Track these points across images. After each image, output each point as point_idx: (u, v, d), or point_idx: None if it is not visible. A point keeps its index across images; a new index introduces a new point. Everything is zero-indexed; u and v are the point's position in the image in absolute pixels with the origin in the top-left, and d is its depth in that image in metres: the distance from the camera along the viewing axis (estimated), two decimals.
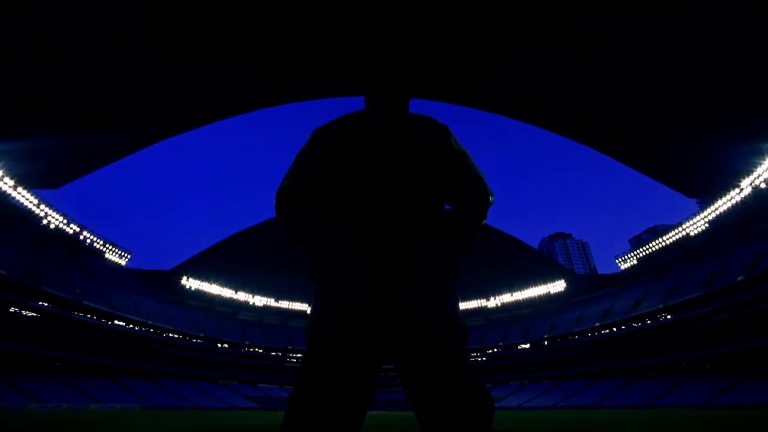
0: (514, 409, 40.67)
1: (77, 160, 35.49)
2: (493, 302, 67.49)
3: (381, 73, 1.55)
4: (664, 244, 51.38)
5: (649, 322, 43.04)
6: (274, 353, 60.21)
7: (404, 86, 1.53)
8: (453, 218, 1.25)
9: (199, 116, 34.91)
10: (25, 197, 38.93)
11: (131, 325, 45.35)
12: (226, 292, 63.51)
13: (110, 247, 53.51)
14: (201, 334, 53.68)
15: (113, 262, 54.68)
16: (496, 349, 59.72)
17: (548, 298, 63.41)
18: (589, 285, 62.36)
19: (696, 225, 46.24)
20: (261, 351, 59.61)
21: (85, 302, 39.87)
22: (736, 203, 39.64)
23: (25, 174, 35.41)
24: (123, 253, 55.87)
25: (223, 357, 55.04)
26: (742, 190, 38.15)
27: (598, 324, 48.40)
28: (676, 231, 49.19)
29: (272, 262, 64.21)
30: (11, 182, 36.47)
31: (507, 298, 66.32)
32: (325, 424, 1.06)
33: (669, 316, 41.02)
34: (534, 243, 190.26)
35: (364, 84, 1.57)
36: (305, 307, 68.17)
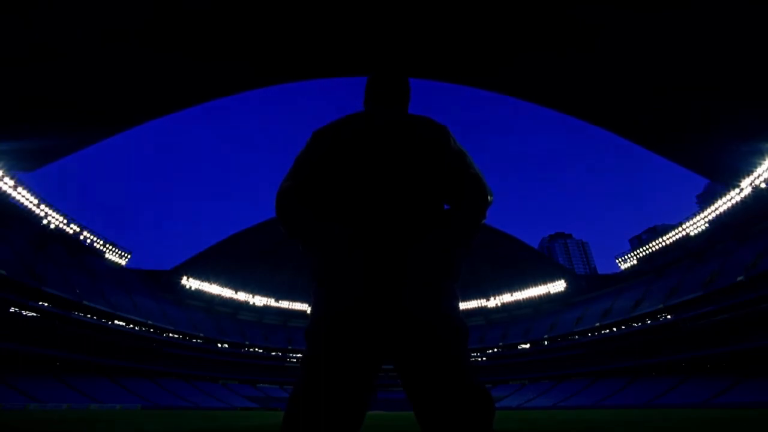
0: (514, 409, 40.67)
1: (59, 146, 34.80)
2: (493, 302, 67.50)
3: (380, 73, 1.55)
4: (664, 244, 51.39)
5: (649, 322, 43.05)
6: (274, 353, 60.22)
7: (403, 86, 1.54)
8: (453, 218, 1.26)
9: (188, 100, 34.57)
10: (25, 197, 38.94)
11: (131, 325, 45.35)
12: (226, 292, 63.51)
13: (110, 247, 53.51)
14: (201, 334, 53.69)
15: (113, 262, 54.69)
16: (496, 349, 59.73)
17: (548, 298, 63.42)
18: (589, 285, 62.37)
19: (696, 225, 46.26)
20: (261, 351, 59.61)
21: (85, 302, 39.88)
22: (736, 203, 39.66)
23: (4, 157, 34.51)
24: (123, 253, 55.87)
25: (223, 357, 55.04)
26: (742, 190, 38.16)
27: (598, 324, 48.41)
28: (676, 231, 49.20)
29: (272, 262, 64.23)
30: (11, 182, 36.48)
31: (507, 298, 66.33)
32: (325, 424, 1.06)
33: (669, 316, 41.03)
34: (534, 243, 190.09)
35: (365, 86, 1.58)
36: (305, 307, 68.17)
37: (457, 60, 30.77)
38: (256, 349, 59.34)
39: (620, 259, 59.36)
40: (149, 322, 47.12)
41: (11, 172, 35.90)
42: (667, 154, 35.67)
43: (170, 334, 49.65)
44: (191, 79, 30.36)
